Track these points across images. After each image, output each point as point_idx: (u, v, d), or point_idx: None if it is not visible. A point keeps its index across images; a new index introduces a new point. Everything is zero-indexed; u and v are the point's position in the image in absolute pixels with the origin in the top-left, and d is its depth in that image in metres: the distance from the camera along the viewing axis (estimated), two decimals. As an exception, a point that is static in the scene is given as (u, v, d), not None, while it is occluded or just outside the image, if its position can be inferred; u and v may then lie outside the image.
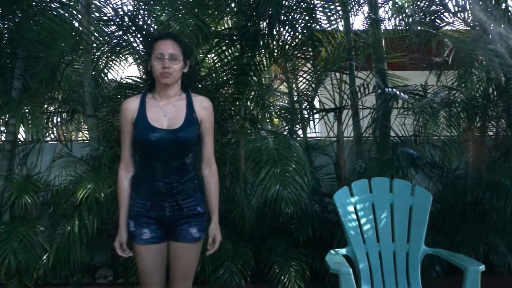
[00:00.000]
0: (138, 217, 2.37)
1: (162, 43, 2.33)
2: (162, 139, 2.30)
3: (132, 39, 4.16)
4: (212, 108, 2.47)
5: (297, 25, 4.11)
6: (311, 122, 4.89)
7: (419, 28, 4.12)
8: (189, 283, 2.48)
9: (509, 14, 4.38)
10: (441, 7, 4.62)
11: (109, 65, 4.96)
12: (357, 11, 4.73)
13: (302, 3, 4.04)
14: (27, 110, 4.12)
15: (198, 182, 2.45)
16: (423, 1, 4.59)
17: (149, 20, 4.14)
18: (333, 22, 4.02)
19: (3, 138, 4.41)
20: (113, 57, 4.73)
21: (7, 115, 4.20)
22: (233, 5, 4.09)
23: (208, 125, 2.43)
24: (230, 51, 4.23)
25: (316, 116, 4.83)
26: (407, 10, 4.02)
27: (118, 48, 4.27)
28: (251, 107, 4.24)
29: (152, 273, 2.40)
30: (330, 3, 4.06)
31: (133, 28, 4.05)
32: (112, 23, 4.24)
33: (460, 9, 4.56)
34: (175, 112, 2.35)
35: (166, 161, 2.33)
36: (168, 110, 2.35)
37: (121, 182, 2.42)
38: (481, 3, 4.09)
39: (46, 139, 4.65)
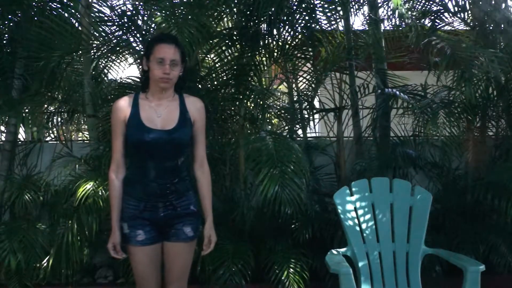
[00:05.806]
0: (132, 219, 2.35)
1: (164, 47, 2.29)
2: (157, 140, 2.28)
3: (132, 39, 4.17)
4: (204, 109, 2.46)
5: (297, 25, 4.11)
6: (311, 122, 4.89)
7: (418, 29, 4.10)
8: (184, 282, 2.48)
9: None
10: (441, 7, 4.61)
11: (109, 65, 4.96)
12: (357, 11, 4.73)
13: (302, 3, 4.04)
14: (27, 110, 4.12)
15: (190, 181, 2.44)
16: (423, 1, 4.58)
17: (148, 20, 4.13)
18: (333, 22, 4.03)
19: (3, 138, 4.41)
20: (113, 57, 4.73)
21: (7, 115, 4.21)
22: (233, 5, 4.09)
23: (201, 125, 2.43)
24: (230, 51, 4.22)
25: (316, 116, 4.83)
26: (408, 13, 4.00)
27: (118, 48, 4.27)
28: (251, 107, 4.24)
29: (147, 274, 2.39)
30: (330, 3, 4.06)
31: (133, 28, 4.05)
32: (112, 23, 4.24)
33: (460, 9, 4.56)
34: (168, 113, 2.34)
35: (160, 162, 2.32)
36: (161, 110, 2.34)
37: (112, 183, 2.38)
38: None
39: (46, 139, 4.66)
